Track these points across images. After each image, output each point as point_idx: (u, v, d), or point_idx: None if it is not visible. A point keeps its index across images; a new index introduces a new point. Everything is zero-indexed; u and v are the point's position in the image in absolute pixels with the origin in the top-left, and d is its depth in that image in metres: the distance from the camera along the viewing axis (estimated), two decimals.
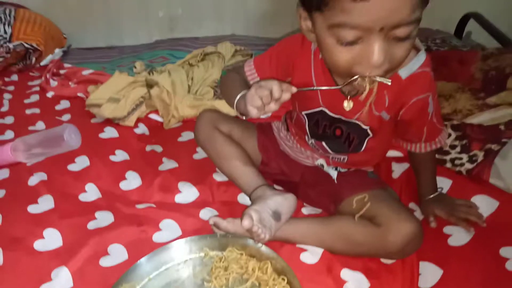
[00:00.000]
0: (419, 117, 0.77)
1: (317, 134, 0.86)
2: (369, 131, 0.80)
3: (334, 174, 0.88)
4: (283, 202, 0.82)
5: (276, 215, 0.79)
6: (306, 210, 0.92)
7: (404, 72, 0.70)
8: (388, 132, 0.83)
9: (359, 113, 0.75)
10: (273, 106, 0.66)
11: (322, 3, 0.56)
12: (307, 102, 0.82)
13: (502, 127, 0.95)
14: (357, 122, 0.78)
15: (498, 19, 1.63)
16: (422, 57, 0.71)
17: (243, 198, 0.96)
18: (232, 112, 1.21)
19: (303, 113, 0.85)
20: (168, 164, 1.08)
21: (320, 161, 0.89)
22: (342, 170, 0.89)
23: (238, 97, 0.73)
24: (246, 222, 0.74)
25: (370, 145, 0.82)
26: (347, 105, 0.72)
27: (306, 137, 0.89)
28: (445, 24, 1.83)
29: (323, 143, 0.86)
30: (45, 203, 0.95)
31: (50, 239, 0.86)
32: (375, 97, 0.70)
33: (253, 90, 0.66)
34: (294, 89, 0.66)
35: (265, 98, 0.64)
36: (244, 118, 0.72)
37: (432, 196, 0.87)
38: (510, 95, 1.02)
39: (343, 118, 0.79)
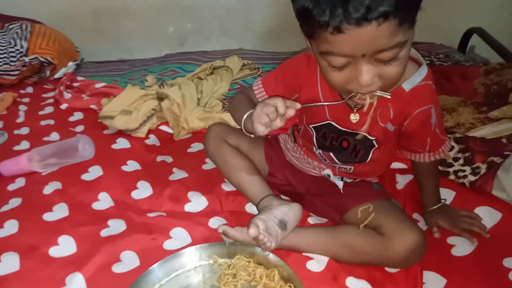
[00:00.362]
0: (422, 128, 0.79)
1: (325, 146, 0.88)
2: (374, 143, 0.82)
3: (340, 184, 0.90)
4: (289, 211, 0.84)
5: (282, 224, 0.82)
6: (312, 219, 0.94)
7: (407, 85, 0.73)
8: (392, 143, 0.86)
9: (365, 125, 0.77)
10: (278, 123, 0.70)
11: (309, 34, 0.61)
12: (314, 116, 0.85)
13: (504, 140, 0.98)
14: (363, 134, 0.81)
15: (501, 34, 1.66)
16: (424, 70, 0.75)
17: (250, 208, 0.98)
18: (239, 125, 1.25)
19: (311, 126, 0.88)
20: (178, 174, 1.11)
21: (327, 171, 0.92)
22: (348, 180, 0.92)
23: (245, 116, 0.77)
24: (252, 231, 0.76)
25: (375, 156, 0.85)
26: (354, 117, 0.77)
27: (314, 148, 0.91)
28: (449, 38, 1.86)
29: (331, 154, 0.88)
30: (60, 211, 0.98)
31: (65, 246, 0.89)
32: (381, 110, 0.74)
33: (259, 109, 0.70)
34: (298, 105, 0.69)
35: (271, 114, 0.68)
36: (252, 136, 0.77)
37: (435, 207, 0.89)
38: (511, 109, 1.04)
39: (350, 130, 0.81)
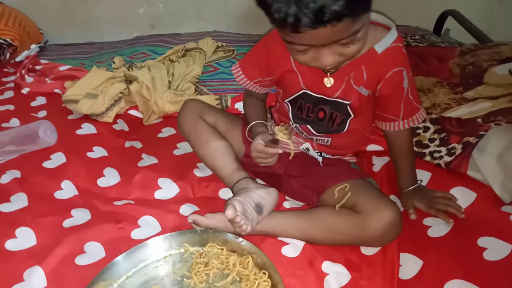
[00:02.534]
0: (395, 92, 0.79)
1: (301, 119, 0.87)
2: (349, 110, 0.81)
3: (319, 158, 0.89)
4: (266, 196, 0.82)
5: (259, 208, 0.79)
6: (288, 203, 0.91)
7: (379, 48, 0.74)
8: (368, 113, 0.85)
9: (340, 90, 0.78)
10: (270, 159, 0.84)
11: (275, 25, 0.62)
12: (290, 88, 0.84)
13: (479, 120, 0.97)
14: (338, 100, 0.80)
15: (475, 17, 1.67)
16: (394, 33, 0.76)
17: (224, 194, 0.95)
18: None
19: (286, 101, 0.87)
20: (148, 160, 1.06)
21: (306, 145, 0.90)
22: (327, 156, 0.90)
23: (247, 130, 0.91)
24: (229, 212, 0.73)
25: (352, 126, 0.84)
26: (328, 81, 0.78)
27: (290, 123, 0.90)
28: (424, 21, 1.86)
29: (308, 126, 0.87)
30: (18, 201, 0.92)
31: (23, 239, 0.83)
32: (354, 73, 0.76)
33: (253, 154, 0.85)
34: (279, 150, 0.81)
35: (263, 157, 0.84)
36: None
37: (411, 188, 0.88)
38: (487, 89, 1.03)
39: (325, 97, 0.81)
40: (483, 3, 1.97)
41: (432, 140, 1.00)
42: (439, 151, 0.97)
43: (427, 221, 0.84)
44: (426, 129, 1.03)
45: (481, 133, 0.94)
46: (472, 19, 1.64)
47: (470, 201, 0.87)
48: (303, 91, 0.82)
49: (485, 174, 0.89)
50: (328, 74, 0.77)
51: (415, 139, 1.02)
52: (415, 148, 1.00)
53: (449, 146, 0.96)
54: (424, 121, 1.02)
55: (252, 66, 0.88)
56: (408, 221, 0.83)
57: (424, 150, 0.99)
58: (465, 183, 0.90)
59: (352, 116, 0.82)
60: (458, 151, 0.94)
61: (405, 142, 0.87)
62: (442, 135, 0.99)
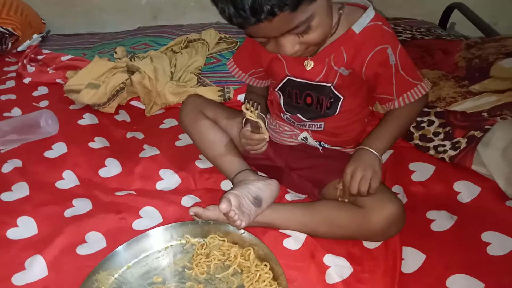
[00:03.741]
0: (382, 71, 0.77)
1: (292, 107, 0.87)
2: (334, 91, 0.80)
3: (319, 147, 0.89)
4: (265, 187, 0.81)
5: (257, 201, 0.78)
6: (289, 196, 0.90)
7: (357, 28, 0.75)
8: (358, 93, 0.83)
9: (322, 73, 0.79)
10: (259, 146, 0.83)
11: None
12: (277, 76, 0.85)
13: (485, 114, 0.96)
14: (321, 83, 0.80)
15: (481, 10, 1.64)
16: (371, 12, 0.76)
17: (226, 185, 0.94)
18: (216, 99, 1.21)
19: (276, 89, 0.87)
20: (149, 151, 1.06)
21: (304, 134, 0.89)
22: (326, 145, 0.89)
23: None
24: (224, 206, 0.73)
25: (344, 107, 0.83)
26: (307, 63, 0.79)
27: (282, 115, 0.90)
28: (430, 15, 1.83)
29: (298, 115, 0.87)
30: (20, 190, 0.92)
31: (24, 228, 0.83)
32: (334, 54, 0.76)
33: (242, 141, 0.86)
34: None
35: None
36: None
37: (362, 147, 0.79)
38: (493, 83, 1.02)
39: (308, 81, 0.81)
40: None
41: (436, 134, 0.99)
42: (444, 145, 0.96)
43: (430, 214, 0.83)
44: (430, 123, 1.01)
45: (486, 127, 0.92)
46: (478, 12, 1.62)
47: (474, 195, 0.86)
48: (287, 77, 0.83)
49: (489, 168, 0.88)
50: (308, 57, 0.78)
51: (419, 132, 1.01)
52: (418, 142, 1.00)
53: (454, 140, 0.95)
54: (428, 114, 1.01)
55: (244, 58, 0.91)
56: (412, 215, 0.81)
57: (428, 144, 0.98)
58: (469, 177, 0.89)
59: (342, 98, 0.81)
60: (463, 145, 0.93)
61: (400, 113, 0.82)
62: (447, 129, 0.98)
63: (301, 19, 0.62)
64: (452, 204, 0.85)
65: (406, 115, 0.83)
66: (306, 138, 0.89)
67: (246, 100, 0.89)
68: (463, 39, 1.30)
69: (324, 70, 0.79)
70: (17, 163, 1.00)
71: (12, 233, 0.81)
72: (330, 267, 0.74)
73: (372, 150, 0.78)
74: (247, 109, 0.80)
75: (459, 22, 1.80)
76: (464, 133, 0.95)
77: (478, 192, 0.86)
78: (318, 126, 0.87)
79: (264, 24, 0.60)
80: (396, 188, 0.91)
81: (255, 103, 0.84)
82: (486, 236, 0.77)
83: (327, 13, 0.67)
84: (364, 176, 0.75)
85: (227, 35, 1.63)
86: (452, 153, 0.94)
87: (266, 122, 0.88)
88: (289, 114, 0.88)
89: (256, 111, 0.80)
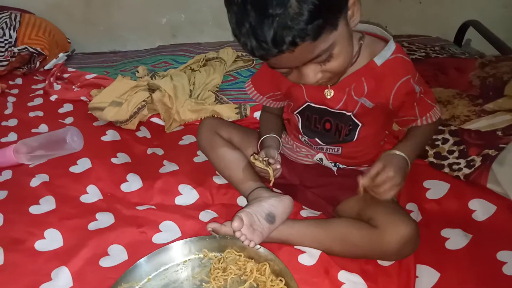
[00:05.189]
0: (409, 99, 0.80)
1: (310, 130, 0.88)
2: (354, 119, 0.82)
3: (334, 168, 0.90)
4: (278, 204, 0.83)
5: (270, 217, 0.80)
6: (304, 212, 0.92)
7: (379, 60, 0.75)
8: (377, 121, 0.85)
9: (341, 102, 0.80)
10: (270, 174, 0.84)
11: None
12: (296, 101, 0.87)
13: (499, 133, 0.96)
14: (341, 111, 0.82)
15: (496, 27, 1.65)
16: (392, 45, 0.77)
17: (242, 201, 0.97)
18: (233, 117, 1.25)
19: (295, 113, 0.89)
20: (169, 167, 1.09)
21: (319, 156, 0.91)
22: (341, 166, 0.91)
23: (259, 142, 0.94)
24: (235, 224, 0.75)
25: (362, 134, 0.84)
26: (328, 92, 0.79)
27: (300, 136, 0.91)
28: (445, 32, 1.84)
29: (316, 139, 0.88)
30: (47, 204, 0.96)
31: (51, 240, 0.87)
32: (355, 85, 0.77)
33: (256, 169, 0.88)
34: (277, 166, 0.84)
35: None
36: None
37: (396, 154, 0.79)
38: (507, 102, 1.03)
39: (328, 108, 0.82)
40: (506, 12, 1.94)
41: (451, 152, 1.00)
42: (458, 163, 0.97)
43: (445, 232, 0.84)
44: (445, 140, 1.02)
45: (501, 145, 0.93)
46: (493, 28, 1.63)
47: (489, 214, 0.86)
48: (307, 103, 0.84)
49: (504, 187, 0.88)
50: (329, 86, 0.79)
51: (434, 150, 1.02)
52: (433, 159, 1.01)
53: (468, 158, 0.96)
54: (442, 132, 1.02)
55: (263, 81, 0.92)
56: (426, 233, 0.82)
57: (443, 162, 0.99)
58: (485, 196, 0.89)
59: (361, 125, 0.83)
60: (478, 164, 0.93)
61: (422, 128, 0.86)
62: (461, 147, 0.99)
63: (322, 48, 0.63)
64: (467, 222, 0.85)
65: (428, 132, 0.88)
66: (321, 159, 0.91)
67: (253, 153, 0.91)
68: (477, 58, 1.31)
69: (344, 99, 0.80)
70: (44, 177, 1.05)
71: (40, 245, 0.85)
72: (344, 283, 0.75)
73: (405, 156, 0.79)
74: (256, 159, 0.84)
75: (474, 39, 1.80)
76: (479, 151, 0.95)
77: (494, 210, 0.86)
78: (336, 151, 0.89)
79: (286, 55, 0.61)
80: (410, 206, 0.92)
81: (263, 155, 0.87)
82: (501, 255, 0.77)
83: (348, 41, 0.68)
84: (394, 178, 0.73)
85: (244, 53, 1.68)
86: (467, 171, 0.94)
87: (278, 157, 0.86)
88: (307, 137, 0.90)
89: (265, 160, 0.84)
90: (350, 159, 0.90)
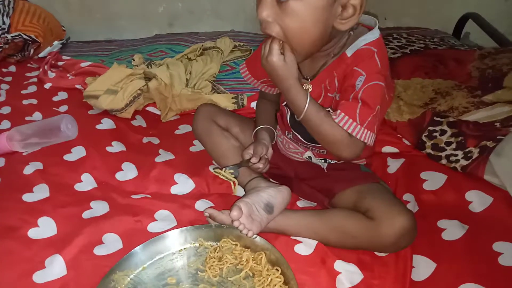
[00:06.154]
0: (345, 88, 0.73)
1: (297, 123, 0.84)
2: None
3: (324, 165, 0.89)
4: (277, 194, 0.82)
5: (269, 208, 0.80)
6: (301, 203, 0.92)
7: (350, 50, 0.72)
8: None
9: (320, 98, 0.78)
10: (260, 166, 0.86)
11: None
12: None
13: (497, 125, 0.96)
14: None
15: (496, 20, 1.64)
16: (370, 36, 0.72)
17: (239, 190, 0.96)
18: (230, 106, 1.24)
19: (283, 104, 0.87)
20: (164, 155, 1.08)
21: (308, 154, 0.90)
22: (332, 161, 0.89)
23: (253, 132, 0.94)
24: (234, 213, 0.75)
25: None
26: (306, 86, 0.77)
27: (286, 132, 0.90)
28: (444, 24, 1.84)
29: (298, 135, 0.87)
30: (40, 192, 0.95)
31: (45, 228, 0.86)
32: (328, 80, 0.75)
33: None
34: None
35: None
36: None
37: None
38: (506, 93, 1.02)
39: None
40: (505, 6, 1.94)
41: (448, 143, 0.99)
42: (456, 155, 0.97)
43: (441, 223, 0.83)
44: (442, 132, 1.02)
45: (499, 137, 0.93)
46: (492, 21, 1.62)
47: (486, 205, 0.85)
48: None
49: (502, 178, 0.88)
50: (308, 80, 0.77)
51: (431, 141, 1.02)
52: (431, 151, 1.00)
53: (466, 150, 0.95)
54: (440, 123, 1.01)
55: (257, 65, 0.86)
56: (422, 224, 0.82)
57: (440, 153, 0.99)
58: (482, 187, 0.88)
59: None
60: (475, 155, 0.93)
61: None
62: (459, 138, 0.98)
63: None
64: (464, 214, 0.85)
65: (330, 131, 0.73)
66: (310, 157, 0.90)
67: (215, 167, 0.91)
68: (476, 49, 1.31)
69: (322, 96, 0.78)
70: (38, 165, 1.03)
71: (33, 233, 0.84)
72: (341, 273, 0.75)
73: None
74: (218, 172, 0.85)
75: (473, 32, 1.80)
76: (477, 143, 0.95)
77: (490, 202, 0.86)
78: (322, 152, 0.87)
79: None
80: (407, 197, 0.92)
81: (225, 168, 0.88)
82: (497, 246, 0.77)
83: (314, 17, 0.64)
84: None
85: (241, 43, 1.66)
86: (464, 162, 0.94)
87: (266, 153, 0.88)
88: (292, 133, 0.88)
89: (229, 172, 0.86)
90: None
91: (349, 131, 0.71)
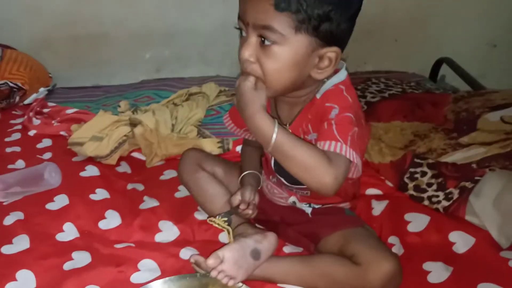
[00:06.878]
0: (320, 121, 0.73)
1: (278, 169, 0.86)
2: None
3: (308, 210, 0.89)
4: (263, 240, 0.82)
5: (256, 254, 0.79)
6: (287, 249, 0.91)
7: (319, 94, 0.75)
8: None
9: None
10: (249, 212, 0.87)
11: None
12: None
13: (474, 166, 0.99)
14: None
15: (469, 63, 1.74)
16: (336, 78, 0.74)
17: (224, 237, 0.95)
18: (215, 151, 1.25)
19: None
20: (149, 202, 1.07)
21: (292, 199, 0.90)
22: (316, 206, 0.90)
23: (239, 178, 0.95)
24: (210, 262, 0.74)
25: None
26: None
27: (271, 176, 0.91)
28: (422, 67, 1.93)
29: (282, 179, 0.87)
30: (20, 243, 0.92)
31: (23, 281, 0.82)
32: (304, 124, 0.77)
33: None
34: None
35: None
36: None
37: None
38: (480, 135, 1.07)
39: None
40: (477, 50, 2.06)
41: (429, 184, 1.02)
42: (437, 196, 0.99)
43: (426, 265, 0.84)
44: (423, 173, 1.05)
45: (476, 178, 0.96)
46: (466, 65, 1.71)
47: (469, 246, 0.87)
48: None
49: (482, 219, 0.90)
50: (287, 124, 0.80)
51: (413, 183, 1.04)
52: (413, 192, 1.02)
53: (447, 191, 0.98)
54: (421, 165, 1.04)
55: (239, 115, 0.88)
56: (408, 266, 0.82)
57: (422, 195, 1.01)
58: (464, 228, 0.90)
59: None
60: (455, 196, 0.95)
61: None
62: (439, 179, 1.01)
63: (276, 26, 0.64)
64: (448, 255, 0.86)
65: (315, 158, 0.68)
66: (294, 202, 0.90)
67: (209, 217, 0.90)
68: (451, 93, 1.37)
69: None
70: (19, 215, 1.01)
71: None
72: None
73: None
74: (212, 221, 0.86)
75: (449, 75, 1.89)
76: (456, 184, 0.98)
77: (473, 242, 0.87)
78: (306, 193, 0.87)
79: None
80: (392, 239, 0.92)
81: (218, 216, 0.87)
82: (482, 287, 0.77)
83: (292, 62, 0.68)
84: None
85: (227, 88, 1.70)
86: (445, 203, 0.96)
87: (253, 199, 0.89)
88: (277, 177, 0.88)
89: (223, 220, 0.85)
90: (321, 199, 0.88)
91: (331, 149, 0.68)
